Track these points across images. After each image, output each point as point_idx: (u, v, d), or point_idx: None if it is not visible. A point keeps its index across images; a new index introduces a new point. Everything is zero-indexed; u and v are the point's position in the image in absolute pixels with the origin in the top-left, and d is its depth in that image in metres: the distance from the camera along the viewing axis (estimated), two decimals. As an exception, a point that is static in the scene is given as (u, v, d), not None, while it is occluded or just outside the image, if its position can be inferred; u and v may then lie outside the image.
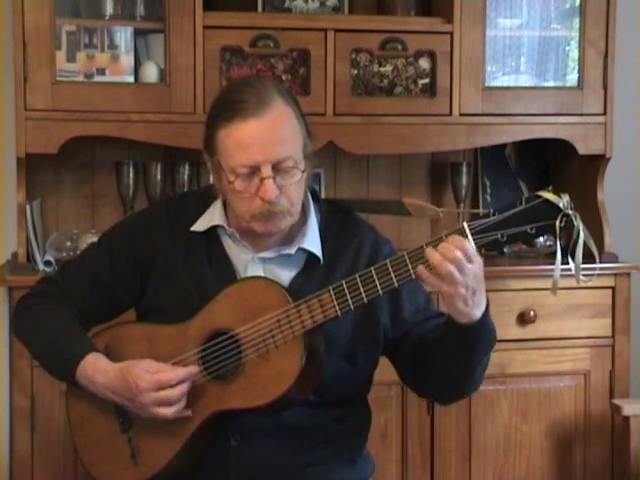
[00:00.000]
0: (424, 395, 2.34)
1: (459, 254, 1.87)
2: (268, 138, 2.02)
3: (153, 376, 2.02)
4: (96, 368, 2.10)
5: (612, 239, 3.28)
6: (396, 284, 1.94)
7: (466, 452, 3.16)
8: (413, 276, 1.93)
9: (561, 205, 1.86)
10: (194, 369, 2.04)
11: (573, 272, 1.92)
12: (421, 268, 1.90)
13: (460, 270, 1.88)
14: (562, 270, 1.94)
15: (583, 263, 1.94)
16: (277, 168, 2.03)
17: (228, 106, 2.06)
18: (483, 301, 1.96)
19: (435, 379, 2.11)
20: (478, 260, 1.91)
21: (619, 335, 3.22)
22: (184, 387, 2.03)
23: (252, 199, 2.05)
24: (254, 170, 2.03)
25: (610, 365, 3.22)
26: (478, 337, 1.99)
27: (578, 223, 1.88)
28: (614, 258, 3.26)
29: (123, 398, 2.07)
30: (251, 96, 2.04)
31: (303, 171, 2.07)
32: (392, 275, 1.94)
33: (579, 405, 3.22)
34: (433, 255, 1.89)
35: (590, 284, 3.04)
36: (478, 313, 1.95)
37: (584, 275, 1.93)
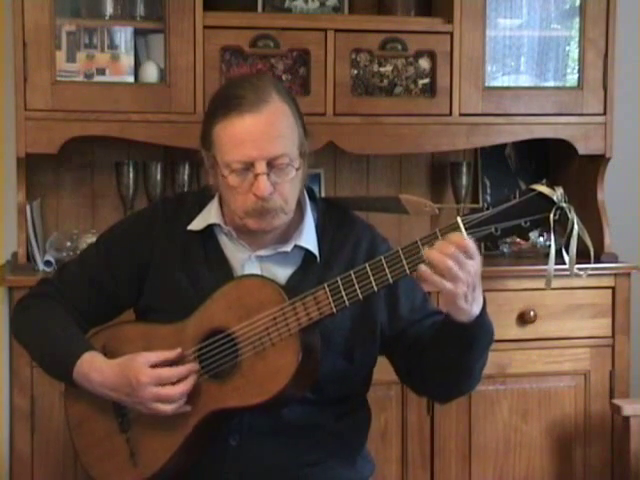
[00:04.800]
0: (422, 394, 2.33)
1: (456, 250, 1.86)
2: (263, 134, 2.02)
3: (154, 371, 2.02)
4: (93, 366, 2.09)
5: (612, 239, 3.28)
6: (390, 280, 1.93)
7: (466, 452, 3.16)
8: (408, 272, 1.92)
9: (555, 198, 1.86)
10: (195, 366, 2.03)
11: (567, 265, 1.92)
12: (423, 267, 1.88)
13: (460, 266, 1.87)
14: (558, 269, 1.93)
15: (581, 262, 1.94)
16: (272, 165, 2.03)
17: (225, 101, 2.06)
18: (480, 298, 1.96)
19: (433, 378, 2.10)
20: (478, 257, 1.91)
21: (619, 335, 3.22)
22: (186, 386, 2.02)
23: (246, 195, 2.05)
24: (248, 166, 2.03)
25: (610, 365, 3.22)
26: (476, 335, 1.99)
27: (572, 216, 1.87)
28: (614, 258, 3.26)
29: (122, 394, 2.06)
30: (249, 92, 2.04)
31: (297, 169, 2.07)
32: (387, 271, 1.93)
33: (579, 405, 3.21)
34: (431, 252, 1.88)
35: (590, 284, 3.09)
36: (476, 310, 1.95)
37: (578, 269, 1.93)
